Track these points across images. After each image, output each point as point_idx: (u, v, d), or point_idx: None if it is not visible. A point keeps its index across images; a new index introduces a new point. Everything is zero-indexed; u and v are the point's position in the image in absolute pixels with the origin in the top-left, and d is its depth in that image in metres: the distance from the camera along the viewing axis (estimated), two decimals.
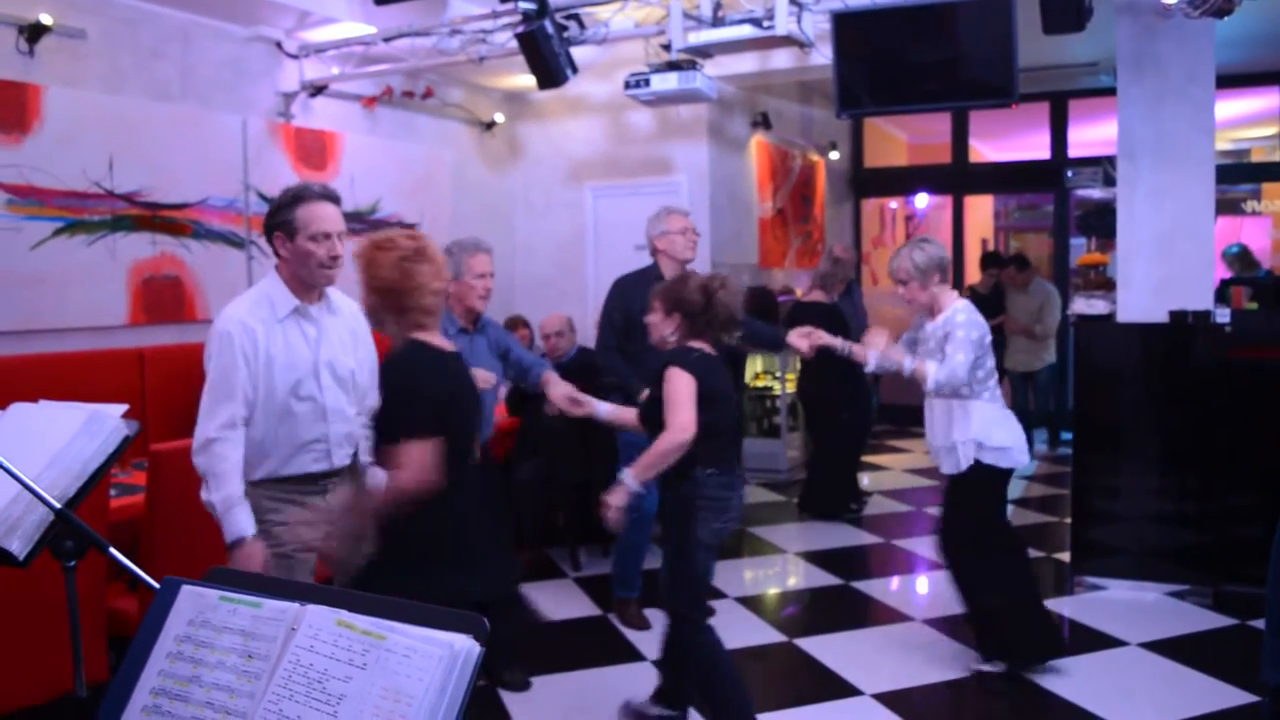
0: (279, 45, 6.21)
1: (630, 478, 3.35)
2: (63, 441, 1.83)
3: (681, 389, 3.29)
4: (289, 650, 1.23)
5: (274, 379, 2.91)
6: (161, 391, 5.28)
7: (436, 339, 2.83)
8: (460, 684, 1.13)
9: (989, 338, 4.06)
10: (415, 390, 2.71)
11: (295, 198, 2.95)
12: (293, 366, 2.93)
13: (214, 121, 5.81)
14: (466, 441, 2.84)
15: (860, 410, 7.06)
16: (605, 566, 5.70)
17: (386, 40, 6.01)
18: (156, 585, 1.37)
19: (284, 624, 1.25)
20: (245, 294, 3.06)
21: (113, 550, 1.57)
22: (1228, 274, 7.89)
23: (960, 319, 3.98)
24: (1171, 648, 4.46)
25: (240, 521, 2.83)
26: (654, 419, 3.39)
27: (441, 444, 2.68)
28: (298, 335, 2.97)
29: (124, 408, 1.95)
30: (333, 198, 3.00)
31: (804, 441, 7.93)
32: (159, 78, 5.56)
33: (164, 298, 5.55)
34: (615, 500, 3.37)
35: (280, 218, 2.95)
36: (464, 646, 1.15)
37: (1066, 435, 9.11)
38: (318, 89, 6.40)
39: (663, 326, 3.52)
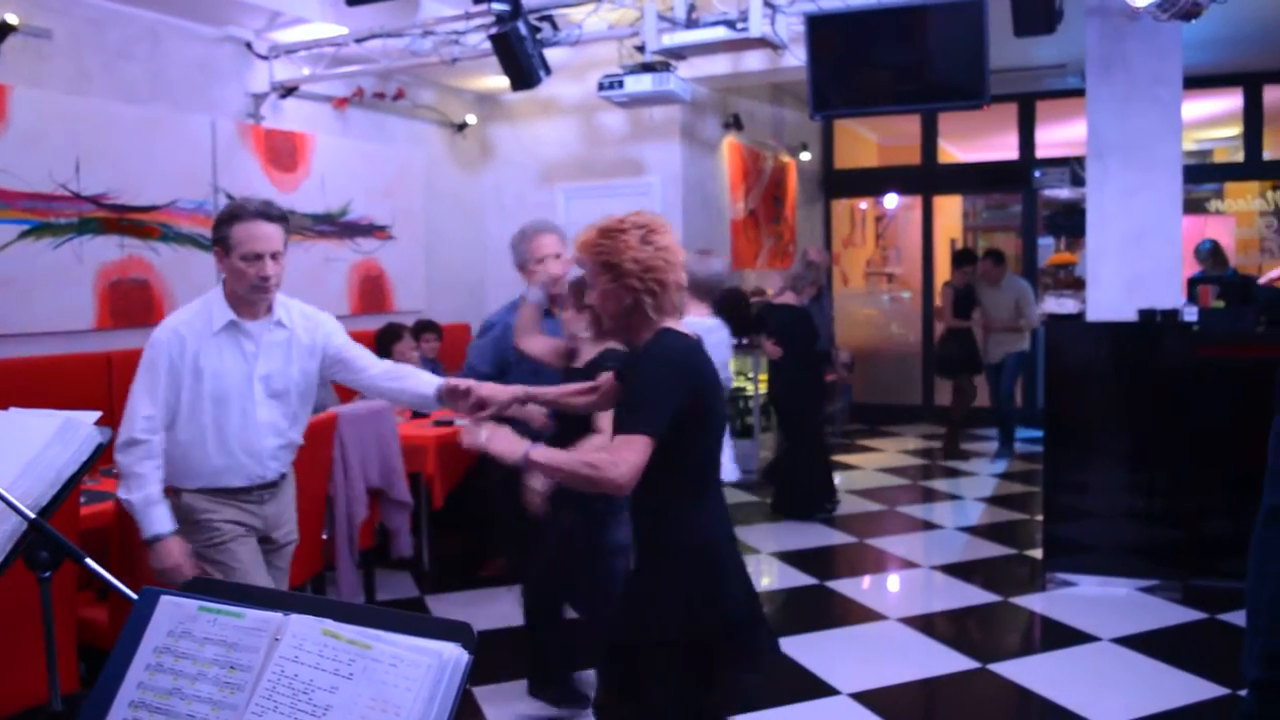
0: (249, 46, 6.15)
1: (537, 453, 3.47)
2: (35, 450, 1.79)
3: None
4: (273, 661, 1.21)
5: (202, 389, 2.96)
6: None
7: (683, 326, 2.53)
8: (449, 693, 1.12)
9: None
10: (670, 383, 2.35)
11: (231, 215, 2.95)
12: (221, 377, 2.97)
13: (183, 123, 5.74)
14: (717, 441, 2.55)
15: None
16: None
17: (358, 41, 5.97)
18: (134, 596, 1.35)
19: (267, 634, 1.24)
20: (189, 304, 3.10)
21: (90, 561, 1.54)
22: (1199, 269, 8.00)
23: None
24: (1143, 642, 4.51)
25: (157, 519, 2.91)
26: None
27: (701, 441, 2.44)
28: (233, 349, 3.00)
29: (97, 415, 1.92)
30: (271, 216, 2.95)
31: (776, 442, 7.95)
32: (127, 78, 5.49)
33: (132, 301, 5.48)
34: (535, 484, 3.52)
35: (219, 233, 2.96)
36: (452, 655, 1.14)
37: (1029, 433, 9.21)
38: (288, 90, 6.35)
39: (575, 324, 3.53)
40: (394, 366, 3.27)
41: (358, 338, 3.37)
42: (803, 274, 6.87)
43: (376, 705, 1.13)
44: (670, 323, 2.46)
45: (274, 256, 2.94)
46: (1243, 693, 3.83)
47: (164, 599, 1.32)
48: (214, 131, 5.91)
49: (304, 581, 4.22)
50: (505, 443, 2.39)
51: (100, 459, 1.90)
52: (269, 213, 2.96)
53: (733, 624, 2.39)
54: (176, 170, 5.68)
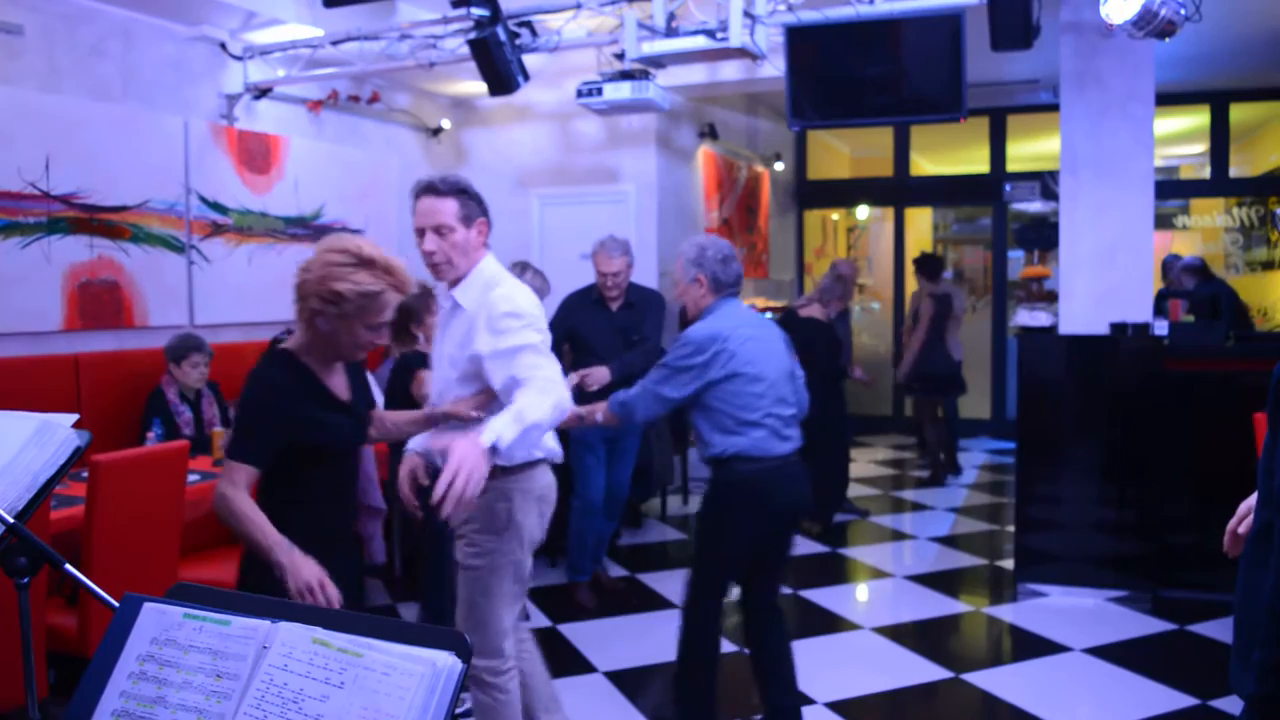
0: (223, 46, 6.08)
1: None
2: (11, 452, 1.76)
3: None
4: (261, 669, 1.19)
5: None
6: (99, 399, 5.15)
7: None
8: (443, 702, 1.11)
9: None
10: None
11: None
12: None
13: (155, 123, 5.67)
14: None
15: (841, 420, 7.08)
16: (554, 577, 5.67)
17: (334, 43, 5.92)
18: (115, 603, 1.32)
19: (255, 642, 1.22)
20: None
21: (69, 567, 1.51)
22: (1190, 283, 8.08)
23: None
24: (1113, 652, 4.54)
25: None
26: None
27: None
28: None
29: (74, 417, 1.89)
30: (434, 189, 2.90)
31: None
32: (99, 77, 5.42)
33: (101, 303, 5.40)
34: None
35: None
36: (446, 664, 1.13)
37: (1000, 445, 9.28)
38: (262, 91, 6.29)
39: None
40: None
41: None
42: (831, 287, 6.78)
43: (369, 714, 1.12)
44: None
45: (437, 230, 2.88)
46: (1215, 703, 3.89)
47: (147, 606, 1.30)
48: (186, 132, 5.85)
49: None
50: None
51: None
52: (432, 186, 2.90)
53: None
54: (148, 170, 5.61)
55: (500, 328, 2.79)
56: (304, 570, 2.34)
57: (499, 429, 2.42)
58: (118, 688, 1.25)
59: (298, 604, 1.25)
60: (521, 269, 5.21)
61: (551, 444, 3.04)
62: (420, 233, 2.90)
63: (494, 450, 2.39)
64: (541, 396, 2.58)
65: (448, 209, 2.88)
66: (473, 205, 2.95)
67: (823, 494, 6.92)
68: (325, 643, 1.18)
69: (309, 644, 1.19)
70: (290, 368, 2.53)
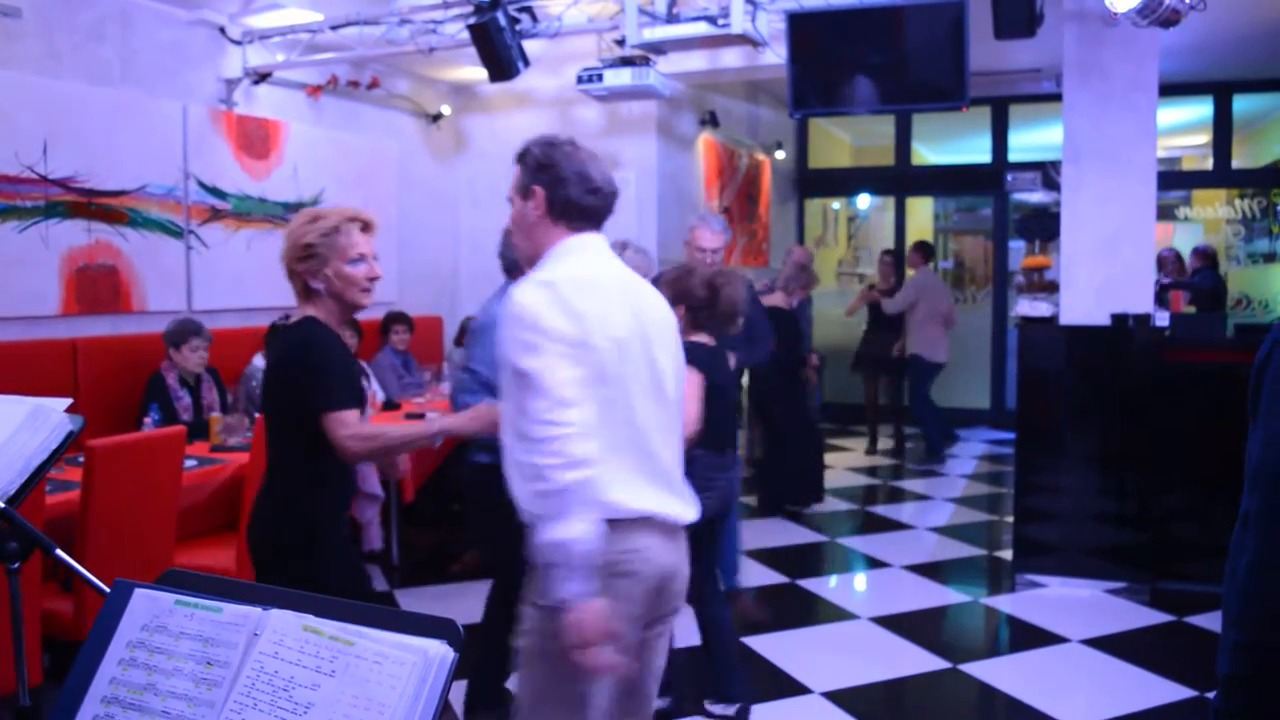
0: (222, 30, 6.05)
1: None
2: (3, 437, 1.75)
3: (691, 386, 3.12)
4: (252, 656, 1.18)
5: None
6: (96, 385, 5.14)
7: None
8: (435, 691, 1.10)
9: None
10: None
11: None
12: None
13: (154, 107, 5.65)
14: None
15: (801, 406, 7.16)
16: None
17: (334, 28, 5.89)
18: (105, 588, 1.31)
19: (246, 629, 1.20)
20: None
21: (60, 552, 1.50)
22: (1198, 265, 8.42)
23: None
24: (1110, 643, 4.54)
25: None
26: None
27: None
28: None
29: (68, 401, 1.87)
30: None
31: (756, 440, 7.92)
32: (97, 60, 5.39)
33: (99, 287, 5.38)
34: None
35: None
36: (438, 653, 1.11)
37: (999, 435, 9.27)
38: (261, 76, 6.26)
39: None
40: None
41: None
42: (795, 276, 6.82)
43: (360, 703, 1.11)
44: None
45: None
46: (1212, 695, 3.88)
47: (138, 592, 1.28)
48: (185, 116, 5.82)
49: None
50: None
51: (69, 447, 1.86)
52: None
53: None
54: (146, 155, 5.58)
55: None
56: None
57: None
58: (108, 674, 1.24)
59: (289, 591, 1.24)
60: (621, 247, 4.78)
61: None
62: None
63: None
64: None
65: (512, 180, 2.40)
66: (528, 171, 2.36)
67: (794, 481, 6.96)
68: (317, 630, 1.17)
69: (300, 631, 1.18)
70: (324, 326, 2.62)
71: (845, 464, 8.70)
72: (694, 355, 3.19)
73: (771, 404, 7.01)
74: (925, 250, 9.09)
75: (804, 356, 7.12)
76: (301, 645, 1.16)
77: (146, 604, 1.27)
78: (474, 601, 4.95)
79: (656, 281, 3.32)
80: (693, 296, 3.50)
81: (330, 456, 2.52)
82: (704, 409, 3.31)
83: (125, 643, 1.26)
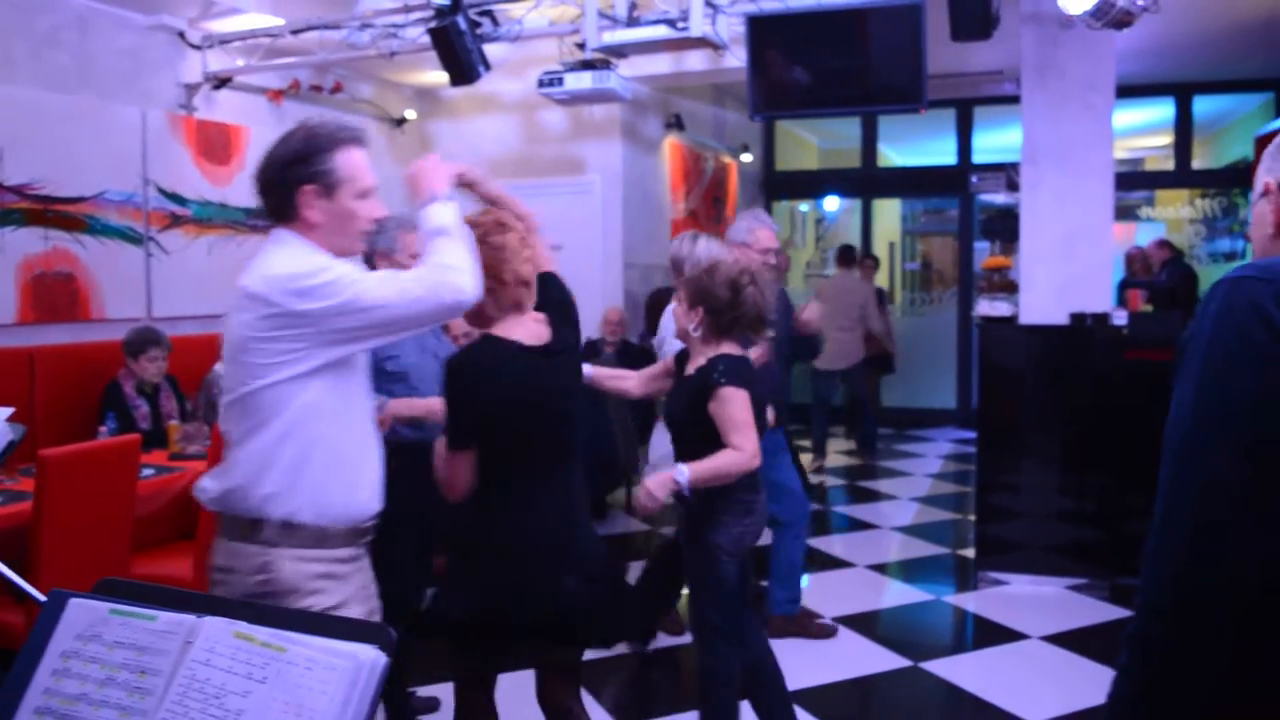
0: (182, 35, 6.01)
1: (685, 475, 2.88)
2: None
3: (739, 410, 2.92)
4: (184, 664, 1.18)
5: None
6: (53, 394, 5.08)
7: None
8: (365, 696, 1.10)
9: None
10: None
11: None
12: None
13: (112, 113, 5.60)
14: None
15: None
16: None
17: (294, 32, 5.87)
18: (43, 598, 1.30)
19: (179, 637, 1.20)
20: None
21: None
22: (1165, 256, 8.60)
23: None
24: (1071, 640, 4.59)
25: None
26: (689, 436, 3.02)
27: None
28: None
29: (9, 410, 1.86)
30: None
31: None
32: (54, 67, 5.34)
33: (56, 295, 5.32)
34: (660, 490, 2.89)
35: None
36: (369, 658, 1.11)
37: (962, 434, 9.35)
38: (222, 81, 6.22)
39: (686, 319, 3.08)
40: None
41: None
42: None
43: (290, 709, 1.10)
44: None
45: None
46: None
47: (73, 601, 1.28)
48: (144, 122, 5.77)
49: None
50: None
51: (15, 456, 1.84)
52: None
53: None
54: (105, 161, 5.53)
55: None
56: None
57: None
58: (41, 685, 1.24)
59: (222, 598, 1.23)
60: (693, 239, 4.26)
61: None
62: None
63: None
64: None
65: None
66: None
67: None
68: (248, 637, 1.17)
69: (231, 639, 1.17)
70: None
71: (809, 465, 8.74)
72: (735, 376, 2.95)
73: None
74: (845, 255, 9.18)
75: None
76: (233, 652, 1.16)
77: (82, 613, 1.26)
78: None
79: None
80: (715, 298, 3.01)
81: None
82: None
83: (59, 652, 1.25)
